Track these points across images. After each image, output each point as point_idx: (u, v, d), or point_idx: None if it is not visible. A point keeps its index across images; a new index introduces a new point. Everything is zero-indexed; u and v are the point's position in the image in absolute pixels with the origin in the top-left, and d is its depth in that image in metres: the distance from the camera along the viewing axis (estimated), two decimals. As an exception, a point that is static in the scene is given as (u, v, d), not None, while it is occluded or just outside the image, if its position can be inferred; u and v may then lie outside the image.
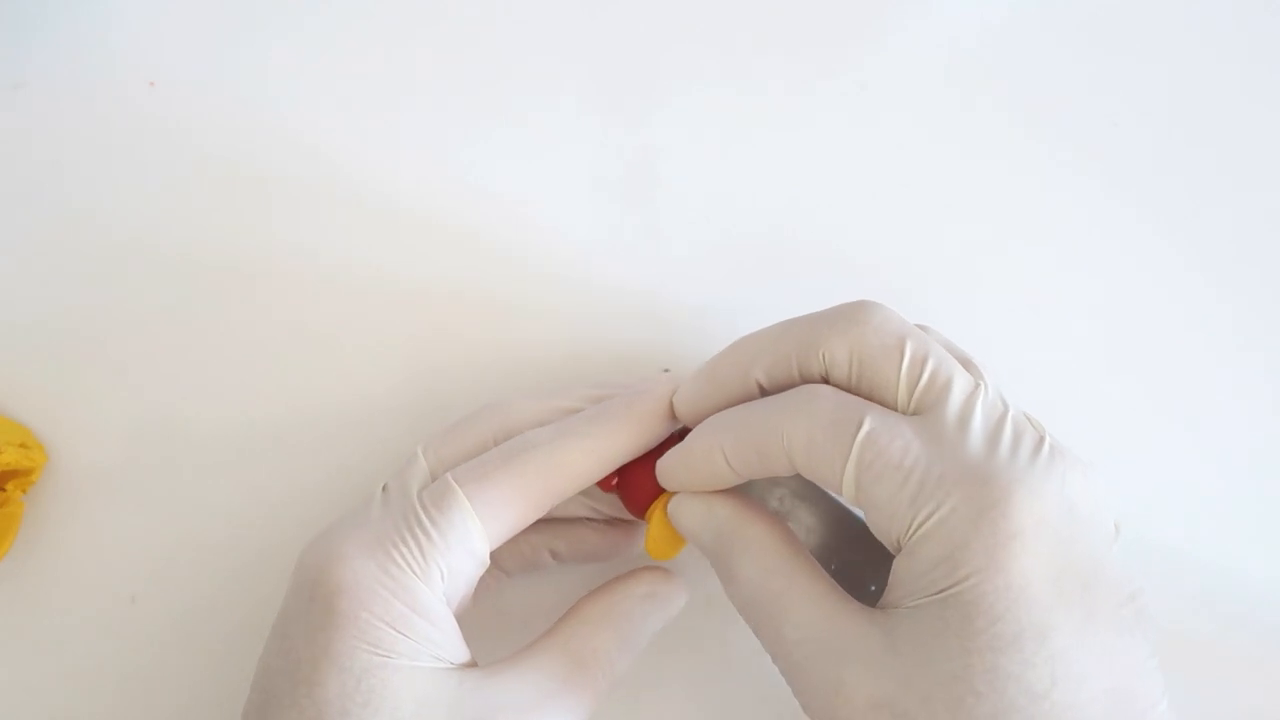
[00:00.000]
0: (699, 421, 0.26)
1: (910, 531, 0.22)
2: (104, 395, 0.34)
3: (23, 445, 0.32)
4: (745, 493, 0.27)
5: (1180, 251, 0.36)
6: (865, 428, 0.22)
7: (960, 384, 0.23)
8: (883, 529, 0.23)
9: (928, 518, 0.22)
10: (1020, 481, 0.21)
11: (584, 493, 0.28)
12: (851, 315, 0.24)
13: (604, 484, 0.28)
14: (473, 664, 0.25)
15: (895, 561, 0.23)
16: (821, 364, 0.24)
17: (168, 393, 0.34)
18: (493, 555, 0.27)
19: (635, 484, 0.28)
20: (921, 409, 0.23)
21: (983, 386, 0.23)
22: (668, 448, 0.27)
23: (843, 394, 0.24)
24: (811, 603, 0.23)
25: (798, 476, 0.28)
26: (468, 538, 0.24)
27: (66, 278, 0.35)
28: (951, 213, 0.36)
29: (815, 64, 0.38)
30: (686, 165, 0.36)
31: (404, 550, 0.24)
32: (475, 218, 0.36)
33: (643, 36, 0.37)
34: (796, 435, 0.23)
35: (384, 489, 0.26)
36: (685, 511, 0.26)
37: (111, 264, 0.35)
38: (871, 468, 0.22)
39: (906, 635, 0.22)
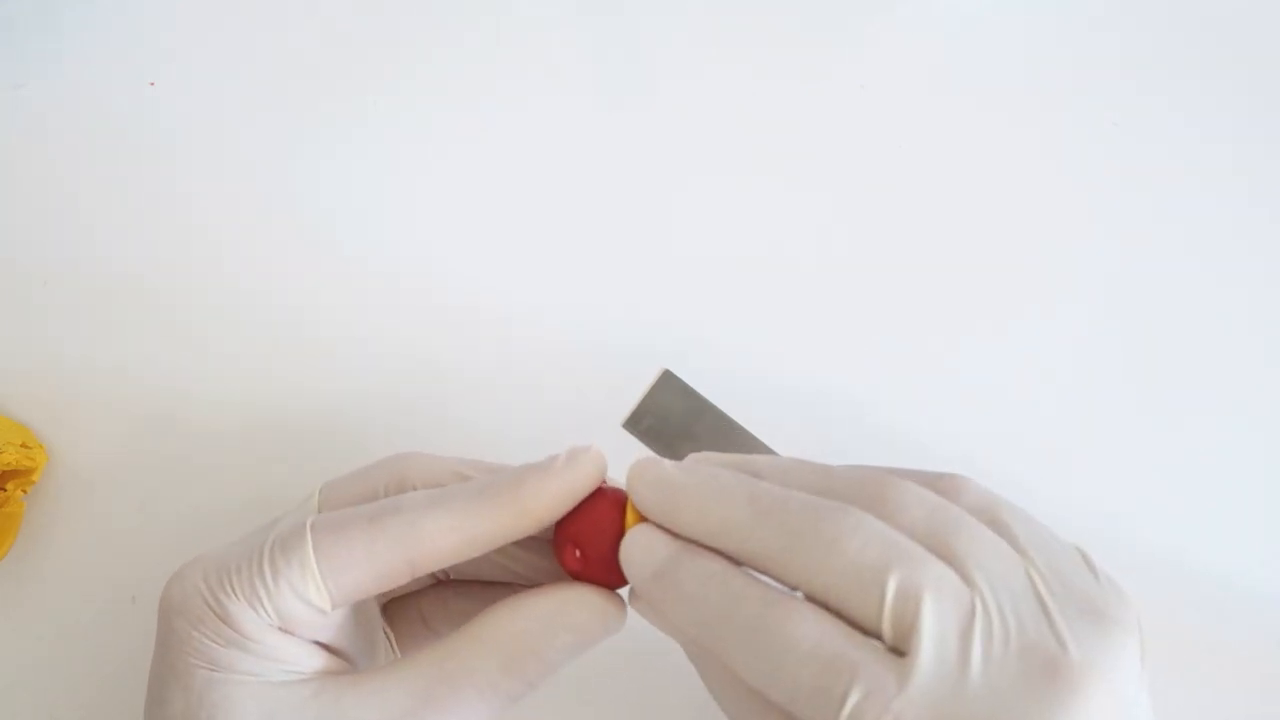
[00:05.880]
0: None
1: None
2: (104, 395, 0.34)
3: (23, 445, 0.32)
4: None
5: (1179, 251, 0.36)
6: (850, 702, 0.20)
7: (953, 615, 0.21)
8: None
9: None
10: None
11: (499, 553, 0.27)
12: (831, 540, 0.21)
13: (568, 561, 0.25)
14: (342, 671, 0.25)
15: None
16: (795, 584, 0.22)
17: (167, 393, 0.34)
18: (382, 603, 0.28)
19: (592, 541, 0.24)
20: (910, 649, 0.21)
21: (980, 609, 0.21)
22: (608, 497, 0.25)
23: (824, 632, 0.21)
24: None
25: None
26: (301, 587, 0.24)
27: (66, 278, 0.35)
28: (951, 213, 0.37)
29: (812, 68, 0.38)
30: (688, 175, 0.37)
31: (238, 580, 0.24)
32: (474, 224, 0.36)
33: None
34: (778, 683, 0.21)
35: (274, 521, 0.26)
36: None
37: (111, 264, 0.35)
38: None
39: None
